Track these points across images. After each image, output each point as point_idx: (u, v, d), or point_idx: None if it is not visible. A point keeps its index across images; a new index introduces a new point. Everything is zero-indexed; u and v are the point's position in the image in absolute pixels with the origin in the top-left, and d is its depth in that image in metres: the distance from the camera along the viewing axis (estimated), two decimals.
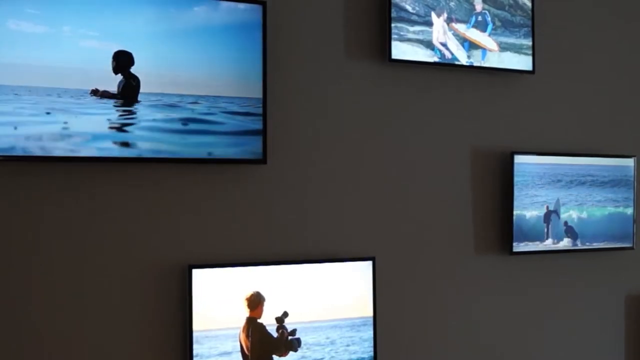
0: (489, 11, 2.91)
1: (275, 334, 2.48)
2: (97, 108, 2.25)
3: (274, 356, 2.48)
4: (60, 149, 2.19)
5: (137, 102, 2.30)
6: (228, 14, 2.43)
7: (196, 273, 2.38)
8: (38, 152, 2.17)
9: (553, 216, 3.03)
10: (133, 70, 2.29)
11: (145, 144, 2.31)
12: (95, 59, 2.25)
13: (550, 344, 3.13)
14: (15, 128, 2.14)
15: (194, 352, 2.36)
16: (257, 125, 2.46)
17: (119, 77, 2.28)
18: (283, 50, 2.60)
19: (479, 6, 2.88)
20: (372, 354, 2.63)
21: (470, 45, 2.87)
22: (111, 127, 2.26)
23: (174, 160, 2.35)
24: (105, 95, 2.26)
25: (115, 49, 2.28)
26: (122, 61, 2.28)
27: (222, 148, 2.41)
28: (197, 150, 2.37)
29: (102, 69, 2.26)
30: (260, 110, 2.46)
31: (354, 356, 2.60)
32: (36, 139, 2.16)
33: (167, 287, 2.41)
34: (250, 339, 2.43)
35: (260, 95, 2.46)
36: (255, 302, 2.45)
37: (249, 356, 2.44)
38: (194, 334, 2.37)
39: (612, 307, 3.29)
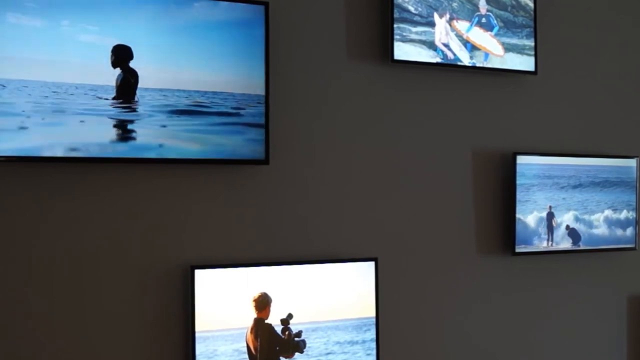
0: (491, 12, 2.90)
1: (282, 336, 2.49)
2: (97, 105, 2.24)
3: (281, 357, 2.49)
4: (60, 149, 2.19)
5: (135, 98, 2.29)
6: (229, 10, 2.42)
7: (199, 273, 2.38)
8: (38, 152, 2.16)
9: (554, 217, 3.03)
10: (132, 65, 2.29)
11: (145, 143, 2.30)
12: (94, 53, 2.24)
13: (552, 344, 3.13)
14: (14, 124, 2.14)
15: (197, 352, 2.36)
16: (260, 125, 2.46)
17: (118, 71, 2.27)
18: (285, 51, 2.60)
19: (483, 9, 2.88)
20: (374, 354, 2.63)
21: (473, 47, 2.87)
22: (113, 127, 2.26)
23: (177, 161, 2.35)
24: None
25: (115, 44, 2.27)
26: (121, 55, 2.27)
27: (224, 147, 2.41)
28: (200, 150, 2.38)
29: (101, 64, 2.25)
30: (262, 110, 2.46)
31: (356, 357, 2.60)
32: (36, 138, 2.16)
33: (169, 287, 2.41)
34: (259, 340, 2.43)
35: (261, 92, 2.46)
36: (264, 303, 2.46)
37: (258, 357, 2.44)
38: (196, 335, 2.37)
39: (614, 307, 3.29)
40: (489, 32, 2.90)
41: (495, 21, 2.91)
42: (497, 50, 2.92)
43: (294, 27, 2.62)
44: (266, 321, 2.46)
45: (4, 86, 2.13)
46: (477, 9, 2.88)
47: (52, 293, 2.26)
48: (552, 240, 3.02)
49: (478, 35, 2.88)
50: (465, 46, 2.85)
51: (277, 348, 2.47)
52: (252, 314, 2.45)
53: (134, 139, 2.29)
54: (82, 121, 2.22)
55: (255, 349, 2.43)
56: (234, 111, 2.42)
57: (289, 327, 2.49)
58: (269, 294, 2.47)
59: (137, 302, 2.37)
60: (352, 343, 2.60)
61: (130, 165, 2.36)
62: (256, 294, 2.45)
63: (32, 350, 2.23)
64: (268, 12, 2.47)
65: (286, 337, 2.48)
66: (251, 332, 2.43)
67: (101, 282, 2.32)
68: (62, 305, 2.27)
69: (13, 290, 2.21)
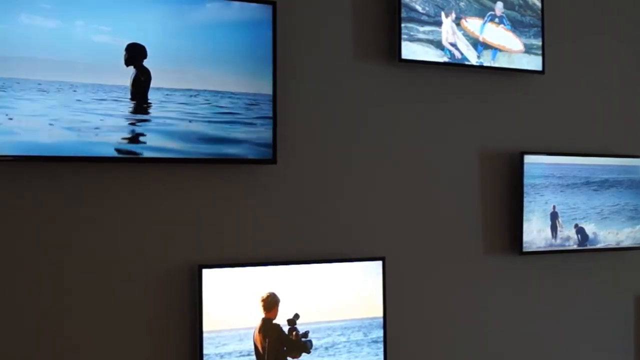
0: (504, 14, 2.90)
1: (290, 336, 2.48)
2: (109, 104, 2.25)
3: (288, 358, 2.48)
4: (69, 148, 2.19)
5: (147, 97, 2.29)
6: (240, 11, 2.42)
7: (206, 273, 2.38)
8: (47, 151, 2.17)
9: (559, 216, 3.02)
10: (145, 64, 2.29)
11: (156, 142, 2.31)
12: (107, 53, 2.25)
13: (559, 343, 3.12)
14: (22, 123, 2.14)
15: (204, 352, 2.36)
16: (267, 125, 2.46)
17: (131, 71, 2.27)
18: (293, 51, 2.60)
19: (499, 10, 2.88)
20: (382, 354, 2.63)
21: (487, 47, 2.86)
22: (124, 127, 2.26)
23: (184, 160, 2.35)
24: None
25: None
26: (134, 53, 2.27)
27: (231, 146, 2.41)
28: (207, 149, 2.38)
29: (114, 64, 2.25)
30: (270, 109, 2.46)
31: (364, 356, 2.60)
32: (48, 137, 2.17)
33: (177, 287, 2.41)
34: (267, 340, 2.43)
35: (269, 92, 2.46)
36: (272, 303, 2.45)
37: (266, 357, 2.43)
38: (204, 334, 2.36)
39: (621, 307, 3.28)
40: (502, 25, 2.88)
41: (508, 23, 2.90)
42: (516, 46, 2.91)
43: (301, 27, 2.62)
44: (274, 321, 2.46)
45: (18, 85, 2.13)
46: (489, 10, 2.87)
47: (59, 292, 2.26)
48: (555, 239, 3.01)
49: (493, 32, 2.87)
50: (476, 46, 2.84)
51: (285, 348, 2.47)
52: (260, 314, 2.45)
53: (144, 138, 2.29)
54: (94, 121, 2.22)
55: (264, 349, 2.43)
56: (242, 111, 2.42)
57: (295, 327, 2.49)
58: (276, 293, 2.47)
59: (144, 301, 2.37)
60: (360, 343, 2.60)
61: (137, 165, 2.36)
62: (264, 294, 2.45)
63: (38, 350, 2.23)
64: (276, 12, 2.47)
65: (294, 338, 2.48)
66: (259, 332, 2.43)
67: (108, 282, 2.32)
68: (69, 304, 2.27)
69: (20, 291, 2.22)
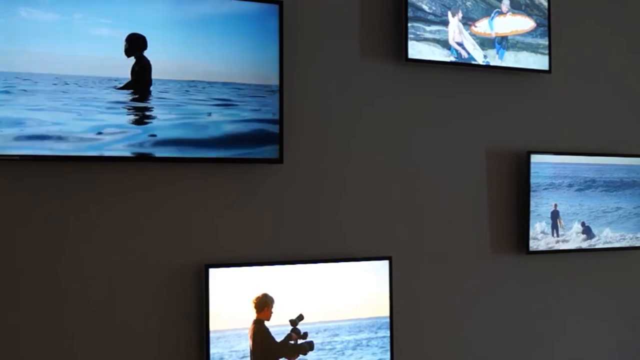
0: (510, 11, 2.90)
1: (282, 337, 2.46)
2: (109, 98, 2.24)
3: (282, 359, 2.47)
4: (72, 148, 2.19)
5: (149, 90, 2.28)
6: (243, 4, 2.42)
7: (213, 272, 2.38)
8: (48, 150, 2.16)
9: (560, 215, 3.01)
10: (147, 56, 2.29)
11: (159, 138, 2.30)
12: (107, 46, 2.24)
13: (567, 342, 3.12)
14: (26, 119, 2.14)
15: (211, 351, 2.36)
16: (274, 125, 2.46)
17: (132, 62, 2.26)
18: (300, 50, 2.60)
19: (505, 7, 2.88)
20: (388, 354, 2.63)
21: (501, 42, 2.86)
22: (123, 122, 2.26)
23: (190, 160, 2.35)
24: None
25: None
26: (134, 43, 2.26)
27: (238, 147, 2.41)
28: (213, 149, 2.37)
29: (114, 57, 2.25)
30: (276, 109, 2.45)
31: (370, 356, 2.60)
32: (45, 136, 2.17)
33: (183, 286, 2.41)
34: (252, 341, 2.42)
35: (275, 90, 2.45)
36: (262, 303, 2.43)
37: (252, 358, 2.42)
38: (210, 334, 2.36)
39: (627, 306, 3.28)
40: (510, 12, 2.88)
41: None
42: (527, 24, 2.92)
43: (308, 25, 2.62)
44: (266, 322, 2.44)
45: (17, 79, 2.13)
46: (496, 8, 2.87)
47: (65, 292, 2.27)
48: (558, 239, 3.00)
49: (502, 22, 2.87)
50: (493, 45, 2.84)
51: (272, 350, 2.44)
52: (253, 315, 2.43)
53: (147, 135, 2.29)
54: (94, 117, 2.22)
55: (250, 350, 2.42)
56: (247, 110, 2.42)
57: (296, 328, 2.48)
58: (282, 292, 2.46)
59: (151, 301, 2.37)
60: (366, 343, 2.60)
61: (144, 165, 2.36)
62: (255, 295, 2.43)
63: (44, 350, 2.24)
64: (282, 11, 2.47)
65: (285, 339, 2.46)
66: (249, 332, 2.42)
67: (115, 281, 2.33)
68: (75, 304, 2.28)
69: (26, 290, 2.22)
